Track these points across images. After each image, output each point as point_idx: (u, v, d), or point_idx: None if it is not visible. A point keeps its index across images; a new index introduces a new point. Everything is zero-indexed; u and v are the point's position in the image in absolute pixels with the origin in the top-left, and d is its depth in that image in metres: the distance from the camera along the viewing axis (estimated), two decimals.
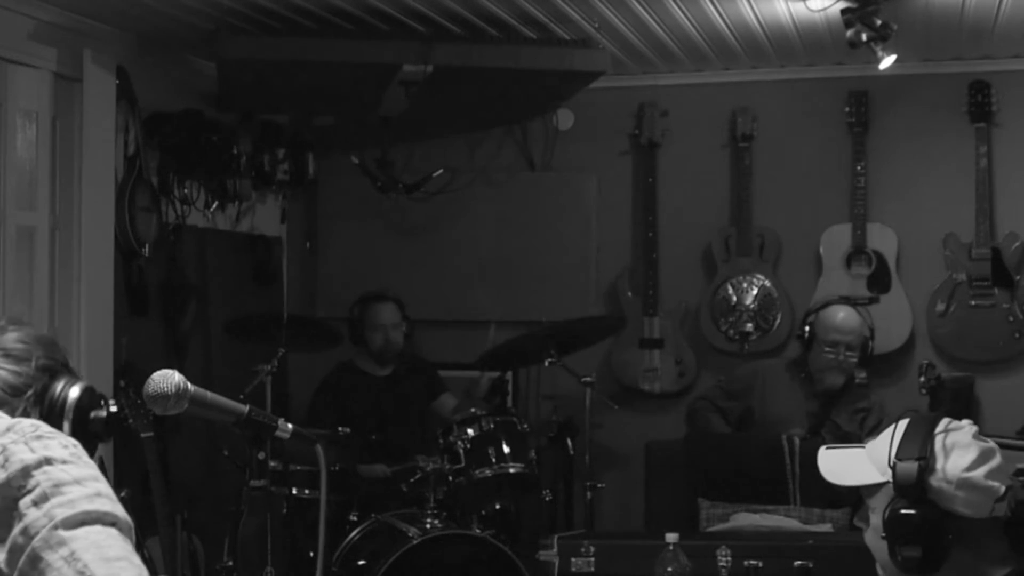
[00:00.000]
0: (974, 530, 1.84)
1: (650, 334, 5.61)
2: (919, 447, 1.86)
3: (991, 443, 1.92)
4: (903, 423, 1.92)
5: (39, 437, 1.30)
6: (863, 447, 2.01)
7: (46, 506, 1.23)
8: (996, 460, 1.89)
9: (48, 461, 1.27)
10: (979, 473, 1.85)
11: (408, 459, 4.68)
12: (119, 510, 1.28)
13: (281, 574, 4.28)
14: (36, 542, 1.21)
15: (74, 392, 1.51)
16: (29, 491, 1.25)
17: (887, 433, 1.94)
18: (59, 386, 1.51)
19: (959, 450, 1.87)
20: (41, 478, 1.25)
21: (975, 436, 1.91)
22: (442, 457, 4.50)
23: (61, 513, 1.23)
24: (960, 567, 1.85)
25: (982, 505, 1.84)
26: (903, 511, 1.84)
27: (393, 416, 5.16)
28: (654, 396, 5.63)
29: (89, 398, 1.53)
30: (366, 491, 4.75)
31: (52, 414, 1.48)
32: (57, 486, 1.25)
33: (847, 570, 3.65)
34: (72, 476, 1.27)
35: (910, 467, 1.84)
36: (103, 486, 1.29)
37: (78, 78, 4.41)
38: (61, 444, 1.31)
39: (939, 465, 1.85)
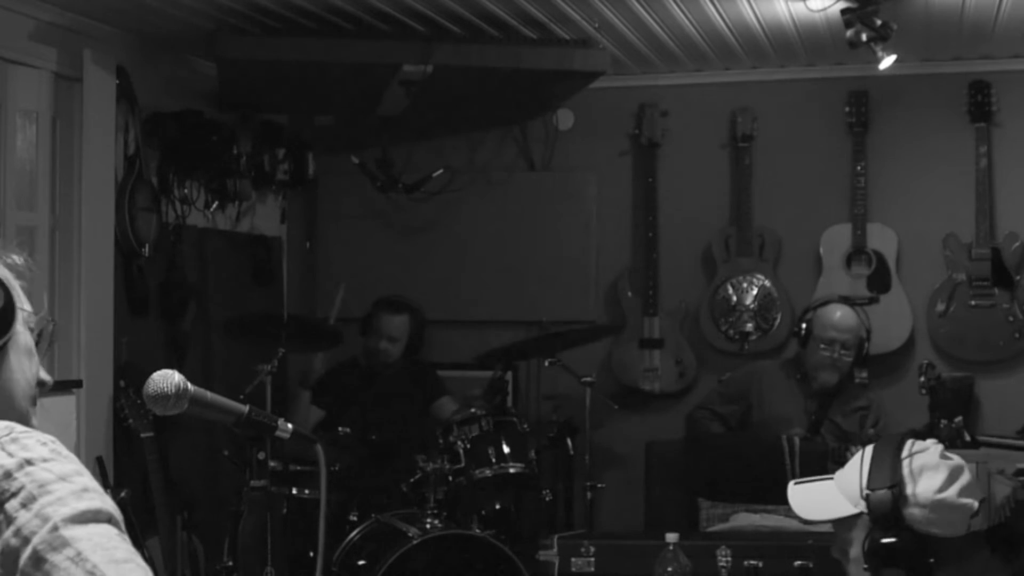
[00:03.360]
0: (954, 548, 1.83)
1: (650, 334, 5.61)
2: (889, 474, 1.83)
3: (958, 460, 1.89)
4: (868, 450, 1.90)
5: (14, 440, 1.28)
6: (832, 478, 1.98)
7: (35, 506, 1.21)
8: (966, 477, 1.87)
9: (29, 462, 1.25)
10: (951, 493, 1.83)
11: (407, 459, 4.67)
12: (108, 504, 1.26)
13: (281, 574, 4.27)
14: (38, 544, 1.19)
15: None
16: (14, 494, 1.23)
17: (855, 462, 1.91)
18: None
19: (928, 472, 1.85)
20: (25, 480, 1.23)
21: (942, 455, 1.89)
22: (442, 457, 4.50)
23: (55, 512, 1.21)
24: None
25: (958, 523, 1.83)
26: (883, 541, 1.82)
27: (392, 415, 5.15)
28: (654, 396, 5.62)
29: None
30: (366, 490, 4.75)
31: None
32: (42, 486, 1.23)
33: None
34: (55, 473, 1.25)
35: (884, 496, 1.82)
36: (88, 480, 1.27)
37: (78, 78, 4.41)
38: (39, 442, 1.28)
39: (910, 491, 1.83)
